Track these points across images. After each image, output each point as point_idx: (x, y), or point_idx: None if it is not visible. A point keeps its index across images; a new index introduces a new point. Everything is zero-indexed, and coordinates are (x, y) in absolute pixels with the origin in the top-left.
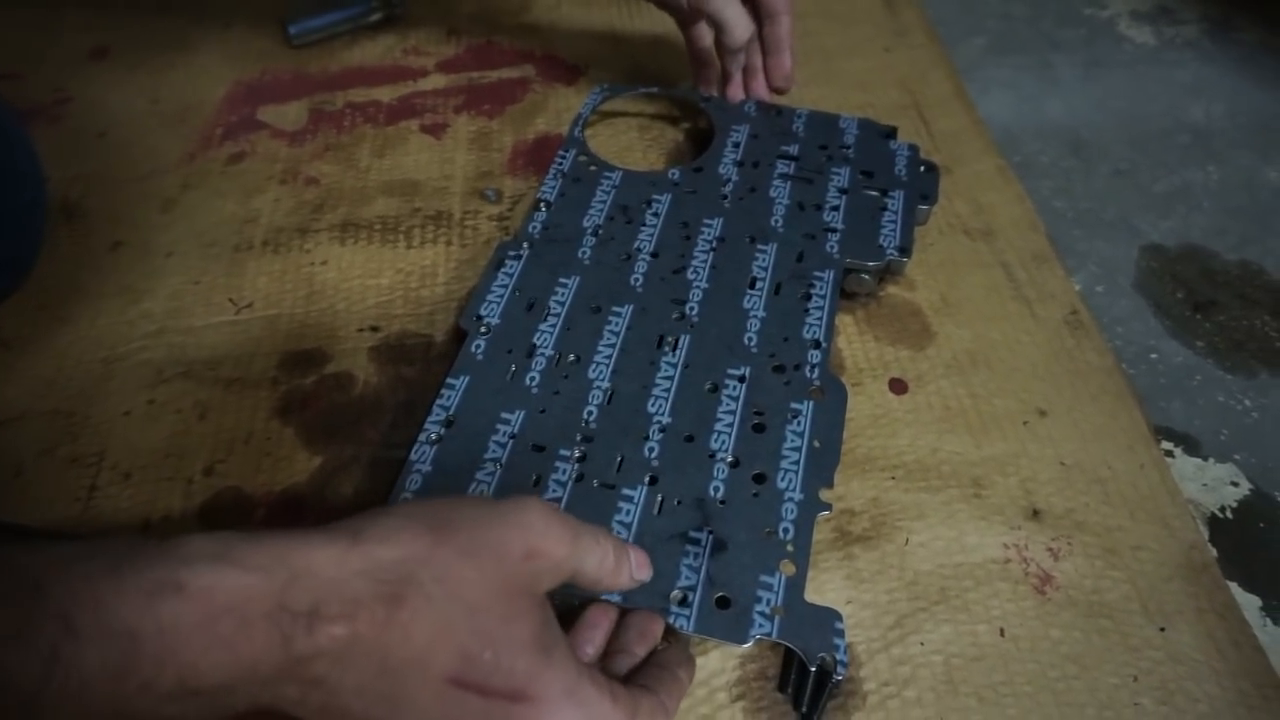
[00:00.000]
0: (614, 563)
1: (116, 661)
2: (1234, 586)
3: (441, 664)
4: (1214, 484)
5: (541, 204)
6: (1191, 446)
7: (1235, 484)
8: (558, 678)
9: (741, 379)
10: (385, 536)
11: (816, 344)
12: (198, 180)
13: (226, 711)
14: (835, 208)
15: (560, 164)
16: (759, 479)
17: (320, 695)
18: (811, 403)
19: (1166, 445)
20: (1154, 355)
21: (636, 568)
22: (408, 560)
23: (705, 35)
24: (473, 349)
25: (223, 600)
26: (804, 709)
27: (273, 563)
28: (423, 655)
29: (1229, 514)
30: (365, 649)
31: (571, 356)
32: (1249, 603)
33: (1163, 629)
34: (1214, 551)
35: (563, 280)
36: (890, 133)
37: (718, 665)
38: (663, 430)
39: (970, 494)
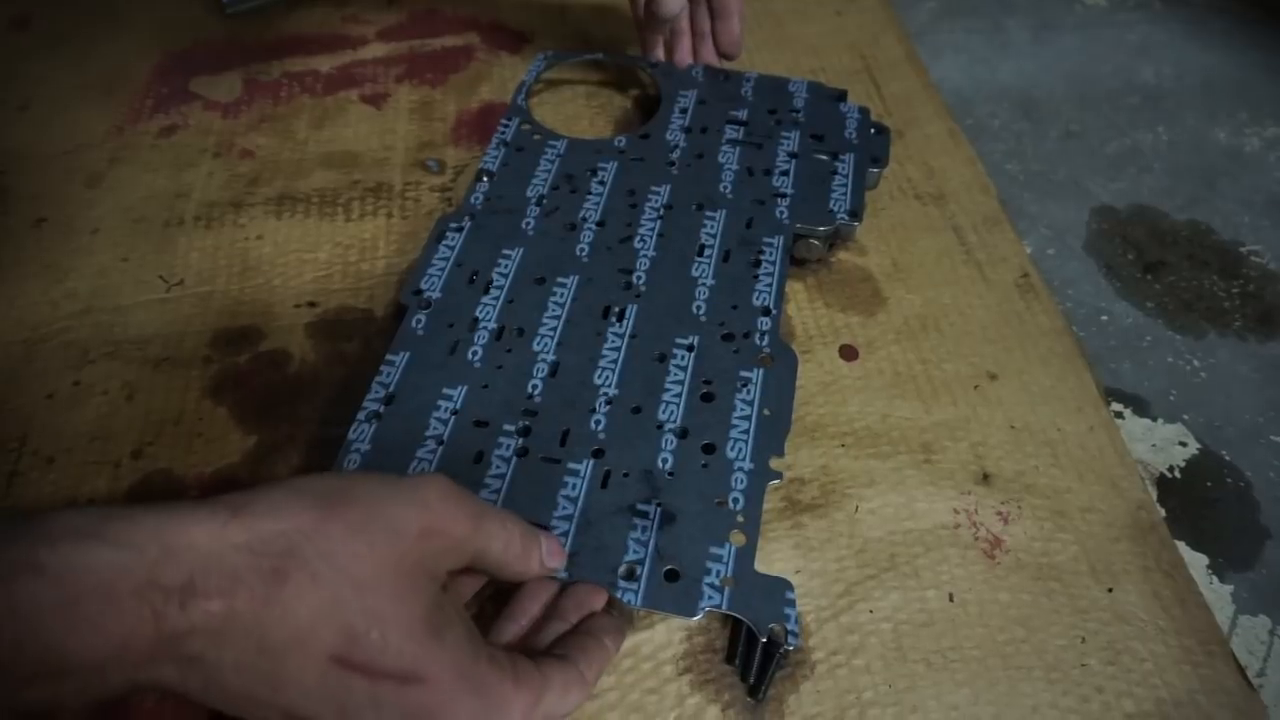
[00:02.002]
0: (520, 548)
1: None
2: (1182, 545)
3: (325, 642)
4: (1163, 444)
5: (483, 175)
6: (1141, 407)
7: (1184, 444)
8: (450, 658)
9: (690, 348)
10: (269, 509)
11: (766, 311)
12: (127, 154)
13: (104, 692)
14: (785, 172)
15: (503, 133)
16: (708, 449)
17: (200, 674)
18: (761, 370)
19: (1116, 406)
20: (1104, 317)
21: (548, 555)
22: (292, 533)
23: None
24: (413, 324)
25: (87, 579)
26: (752, 680)
27: (145, 538)
28: (305, 633)
29: (1177, 474)
30: (244, 625)
31: (515, 329)
32: (1196, 561)
33: (1110, 589)
34: (1162, 511)
35: (506, 252)
36: (840, 96)
37: (664, 638)
38: (609, 402)
39: (920, 460)
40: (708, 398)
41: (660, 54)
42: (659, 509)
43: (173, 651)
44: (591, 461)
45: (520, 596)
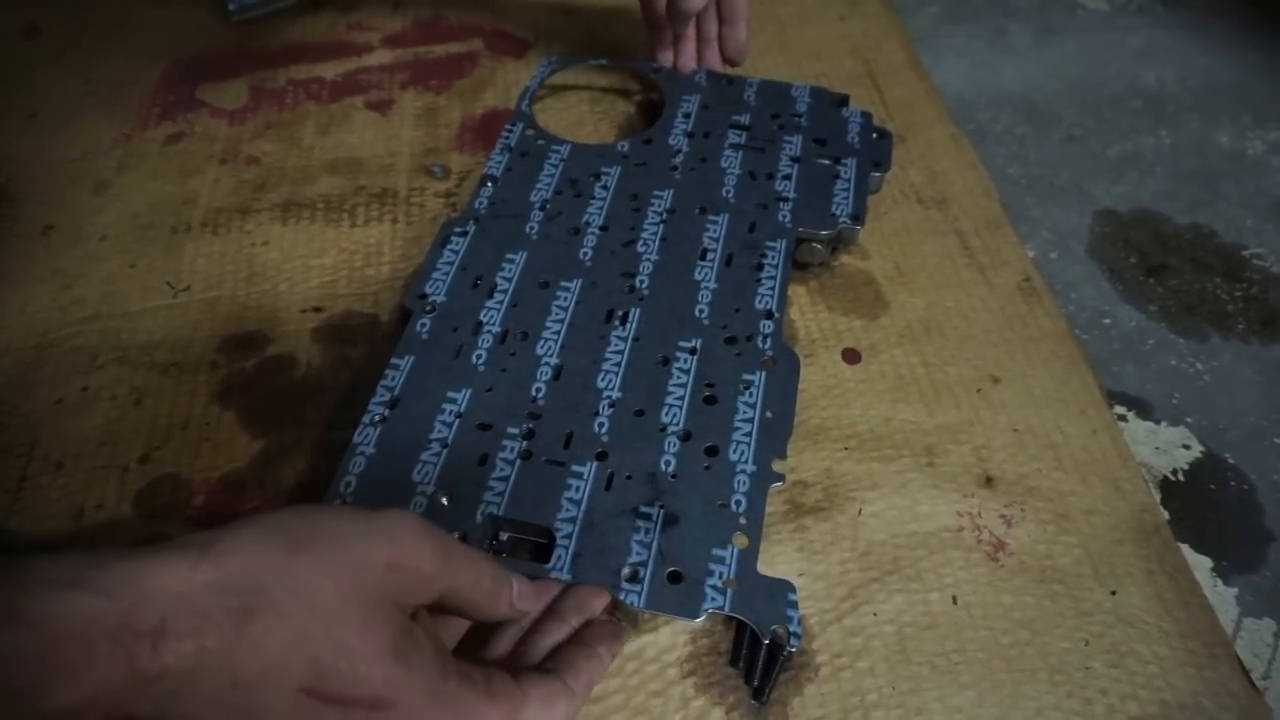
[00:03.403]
0: (490, 586)
1: None
2: (1186, 548)
3: (295, 675)
4: (1166, 447)
5: (487, 180)
6: (1144, 410)
7: (1187, 446)
8: (420, 681)
9: (693, 351)
10: (237, 547)
11: (769, 314)
12: (134, 162)
13: None
14: (787, 177)
15: (507, 138)
16: (711, 451)
17: (176, 708)
18: (764, 373)
19: (1119, 409)
20: (1107, 320)
21: (518, 597)
22: (258, 571)
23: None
24: (418, 328)
25: (63, 625)
26: (755, 683)
27: (119, 584)
28: (275, 667)
29: (1181, 476)
30: (215, 662)
31: (519, 333)
32: (1200, 564)
33: (1114, 592)
34: (1165, 514)
35: (510, 256)
36: (842, 100)
37: (669, 641)
38: (612, 405)
39: (923, 463)
40: (710, 400)
41: (669, 57)
42: (662, 511)
43: (147, 690)
44: (595, 464)
45: None
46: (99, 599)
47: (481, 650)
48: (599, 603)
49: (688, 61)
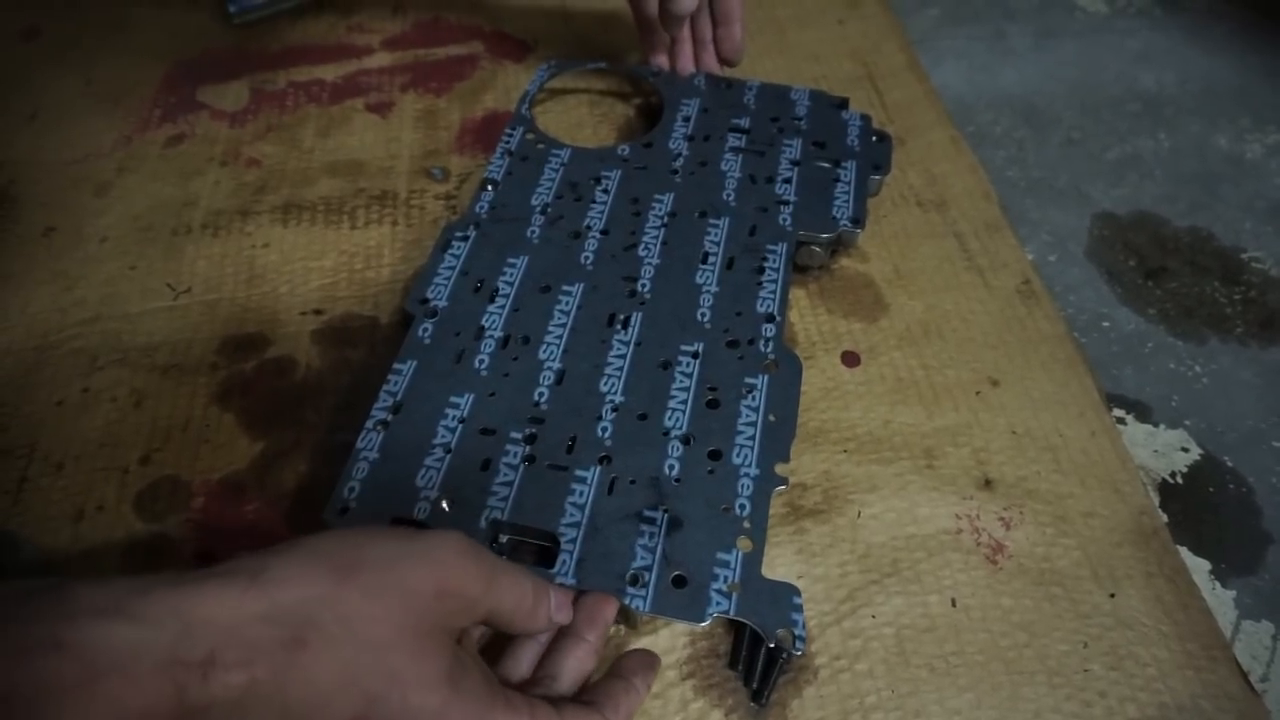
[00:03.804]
0: (532, 604)
1: None
2: (1184, 551)
3: (347, 706)
4: (1165, 450)
5: (488, 184)
6: (1143, 413)
7: (1185, 449)
8: (469, 710)
9: (695, 355)
10: (285, 577)
11: (770, 318)
12: (134, 163)
13: None
14: (787, 180)
15: (507, 142)
16: (714, 455)
17: None
18: (766, 377)
19: (1118, 412)
20: (1106, 323)
21: (555, 609)
22: (309, 601)
23: (651, 2)
24: (419, 333)
25: (107, 656)
26: (755, 685)
27: (164, 613)
28: (326, 698)
29: (1179, 479)
30: (265, 694)
31: (521, 337)
32: (1199, 566)
33: (1113, 595)
34: (1164, 517)
35: (511, 260)
36: (842, 103)
37: (668, 643)
38: (615, 409)
39: (922, 465)
40: (713, 404)
41: (663, 60)
42: (666, 515)
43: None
44: (598, 468)
45: None
46: (144, 629)
47: (498, 670)
48: (609, 611)
49: (685, 65)
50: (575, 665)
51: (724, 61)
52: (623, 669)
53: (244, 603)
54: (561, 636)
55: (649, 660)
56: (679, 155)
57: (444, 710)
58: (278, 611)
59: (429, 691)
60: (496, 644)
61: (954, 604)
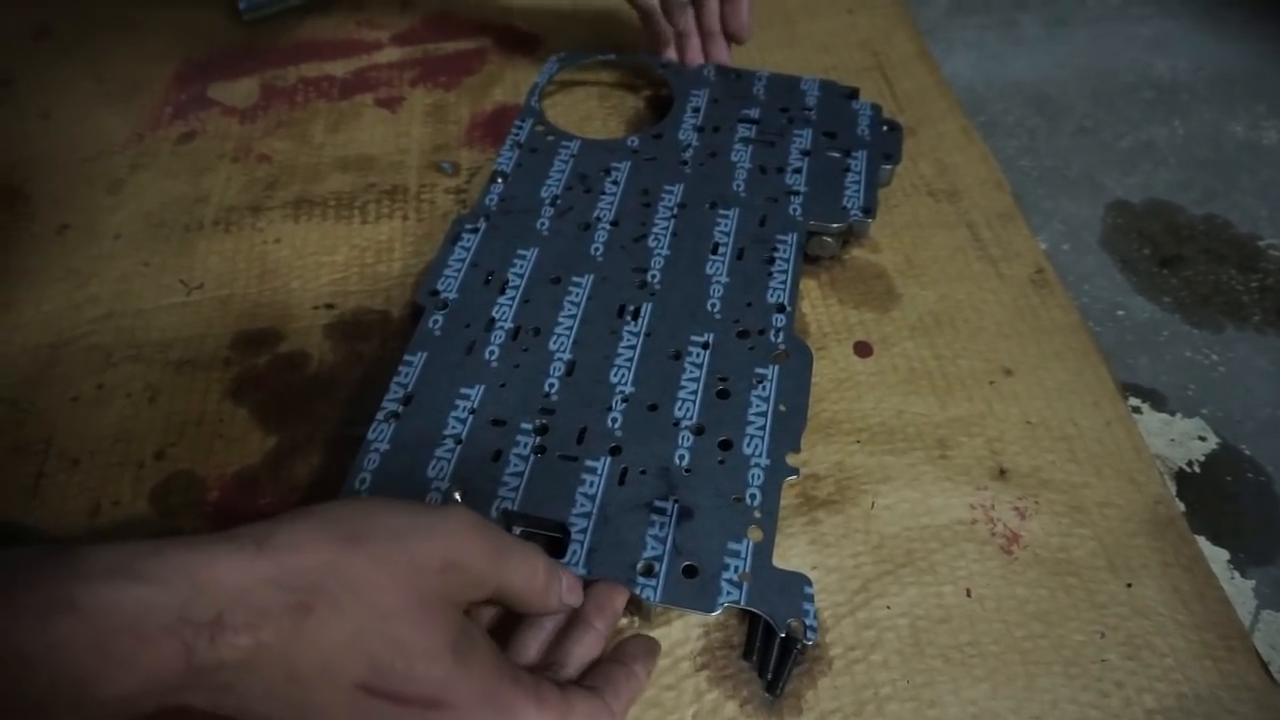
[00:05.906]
0: (543, 584)
1: (7, 686)
2: (1202, 540)
3: (351, 672)
4: (1181, 439)
5: (498, 176)
6: (1158, 402)
7: (1202, 438)
8: (475, 682)
9: (705, 345)
10: (294, 543)
11: (781, 308)
12: (147, 161)
13: (132, 717)
14: (797, 170)
15: (516, 135)
16: (725, 445)
17: (231, 700)
18: (776, 367)
19: (1134, 401)
20: (1120, 312)
21: (567, 591)
22: (316, 568)
23: None
24: (430, 325)
25: (119, 616)
26: (769, 676)
27: (174, 574)
28: (331, 663)
29: (1196, 468)
30: (271, 658)
31: (531, 329)
32: (1217, 555)
33: (1129, 584)
34: (1181, 506)
35: (521, 252)
36: (852, 93)
37: (682, 634)
38: (625, 400)
39: (936, 455)
40: (723, 395)
41: (671, 54)
42: (676, 505)
43: (202, 682)
44: (609, 459)
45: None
46: (155, 589)
47: (505, 654)
48: (619, 600)
49: (694, 57)
50: (583, 653)
51: (730, 38)
52: (623, 654)
53: (253, 567)
54: (570, 624)
55: (650, 646)
56: (689, 146)
57: (449, 680)
58: (286, 576)
59: (433, 661)
60: (504, 629)
61: (969, 594)
